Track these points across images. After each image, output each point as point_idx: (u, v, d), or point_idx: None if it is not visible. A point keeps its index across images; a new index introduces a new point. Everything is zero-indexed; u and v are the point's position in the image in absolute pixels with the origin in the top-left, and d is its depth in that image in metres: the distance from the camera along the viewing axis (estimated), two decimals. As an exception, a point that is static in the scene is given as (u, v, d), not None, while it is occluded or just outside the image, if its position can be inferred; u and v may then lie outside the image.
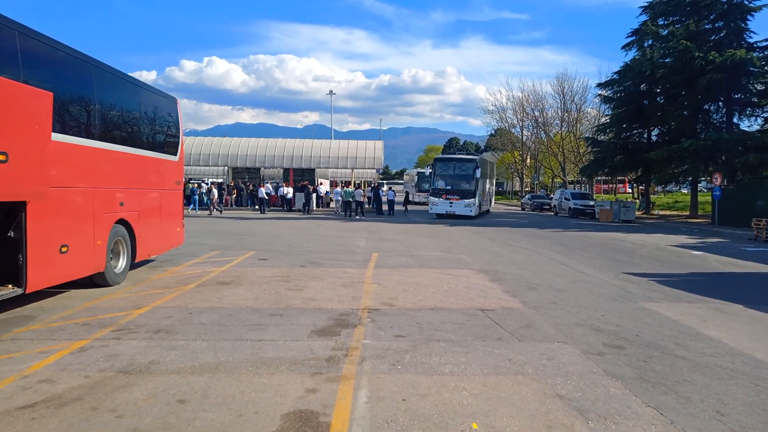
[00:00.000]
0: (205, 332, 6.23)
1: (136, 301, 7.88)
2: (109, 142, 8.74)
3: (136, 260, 9.77)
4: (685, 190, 60.31)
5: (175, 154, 11.54)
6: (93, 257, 8.17)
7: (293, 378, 4.82)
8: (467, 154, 36.49)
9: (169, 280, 9.57)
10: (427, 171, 45.18)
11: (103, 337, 5.96)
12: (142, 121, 10.14)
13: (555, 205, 39.43)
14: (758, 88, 31.38)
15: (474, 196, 29.37)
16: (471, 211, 28.98)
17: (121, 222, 9.12)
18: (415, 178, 51.83)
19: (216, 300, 7.99)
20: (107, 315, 6.98)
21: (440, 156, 36.40)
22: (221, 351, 5.54)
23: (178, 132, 11.85)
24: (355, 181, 49.17)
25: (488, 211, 36.04)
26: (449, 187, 29.84)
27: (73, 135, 7.72)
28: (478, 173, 29.64)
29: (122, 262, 9.24)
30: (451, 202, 29.29)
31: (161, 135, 11.07)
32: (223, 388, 4.55)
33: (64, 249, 7.34)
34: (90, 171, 8.18)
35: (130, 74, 10.10)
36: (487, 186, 35.19)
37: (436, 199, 30.00)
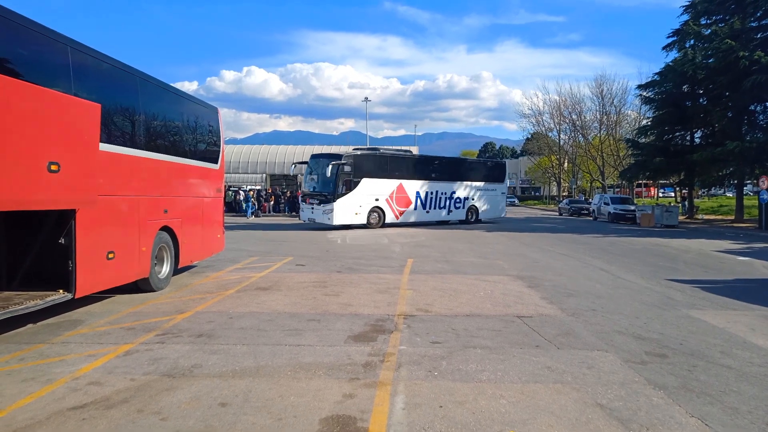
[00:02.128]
0: (245, 337, 6.37)
1: (179, 306, 8.10)
2: (154, 152, 9.02)
3: (179, 266, 10.04)
4: (730, 194, 58.32)
5: (216, 163, 11.83)
6: (138, 263, 8.44)
7: (331, 383, 4.88)
8: (343, 154, 25.23)
9: (211, 286, 9.80)
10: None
11: (147, 341, 6.15)
12: (184, 131, 10.43)
13: (594, 210, 38.69)
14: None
15: (333, 201, 23.50)
16: (329, 219, 23.43)
17: (165, 229, 9.39)
18: None
19: (255, 305, 8.15)
20: (151, 320, 7.20)
21: (313, 153, 29.92)
22: (261, 355, 5.65)
23: (219, 141, 12.14)
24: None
25: (478, 219, 30.26)
26: (310, 190, 25.23)
27: (119, 145, 8.00)
28: (345, 173, 23.76)
29: (166, 268, 9.51)
30: (312, 208, 24.37)
31: (203, 144, 11.36)
32: (263, 392, 4.64)
33: (111, 255, 7.61)
34: (135, 179, 8.46)
35: (172, 85, 10.40)
36: (434, 188, 27.90)
37: (302, 203, 25.81)
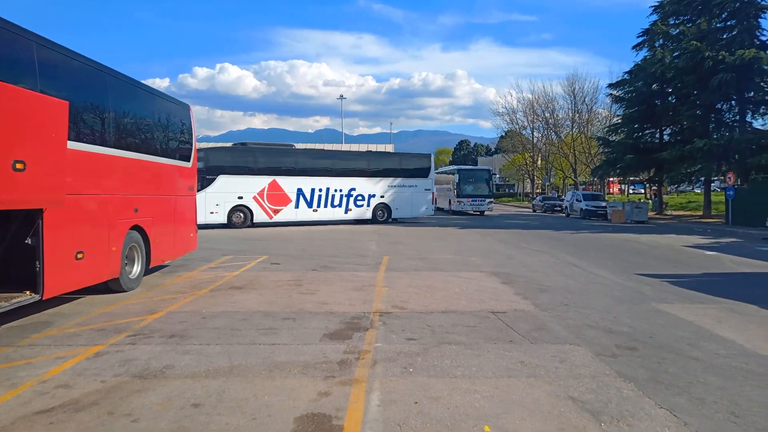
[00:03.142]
0: (219, 336, 6.30)
1: (151, 306, 7.97)
2: (124, 150, 8.86)
3: (151, 266, 9.88)
4: (698, 190, 59.71)
5: (189, 161, 11.67)
6: (108, 263, 8.28)
7: (306, 381, 4.86)
8: None
9: (183, 285, 9.67)
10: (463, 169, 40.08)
11: (118, 343, 6.04)
12: (155, 129, 10.26)
13: (566, 207, 39.24)
14: (771, 86, 31.14)
15: None
16: None
17: (136, 228, 9.23)
18: (456, 178, 37.28)
19: (229, 304, 8.06)
20: (122, 320, 7.07)
21: None
22: (235, 355, 5.60)
23: (191, 138, 11.98)
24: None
25: (392, 219, 28.15)
26: None
27: (88, 143, 7.83)
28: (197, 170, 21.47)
29: (137, 268, 9.35)
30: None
31: (175, 142, 11.19)
32: (237, 392, 4.60)
33: (80, 255, 7.45)
34: (105, 178, 8.29)
35: (143, 82, 10.22)
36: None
37: None
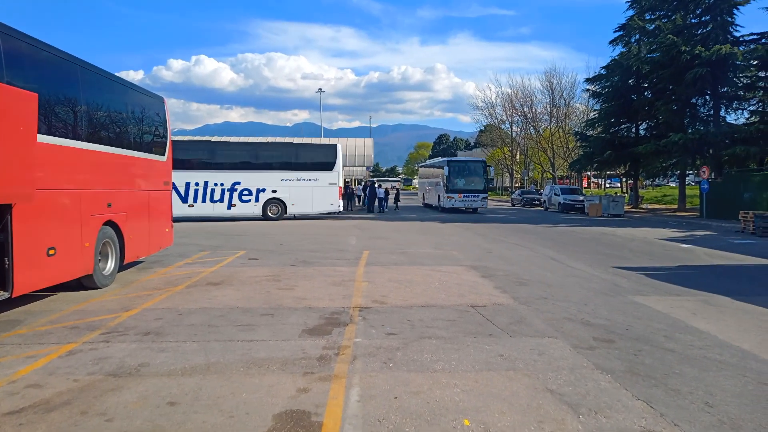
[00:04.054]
0: (195, 333, 6.20)
1: (126, 303, 7.82)
2: (96, 143, 8.66)
3: (125, 262, 9.70)
4: (673, 184, 60.83)
5: (163, 155, 11.47)
6: (81, 259, 8.10)
7: (285, 378, 4.80)
8: None
9: (159, 282, 9.51)
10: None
11: (92, 341, 5.91)
12: (129, 122, 10.06)
13: (545, 201, 39.63)
14: (744, 81, 31.73)
15: None
16: None
17: (109, 223, 9.04)
18: (446, 171, 32.74)
19: (206, 301, 7.95)
20: (96, 318, 6.92)
21: None
22: (212, 352, 5.51)
23: (166, 132, 11.77)
24: (345, 179, 49.11)
25: (288, 215, 25.84)
26: None
27: (59, 136, 7.64)
28: None
29: (111, 264, 9.17)
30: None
31: (149, 135, 10.98)
32: (214, 390, 4.52)
33: (51, 251, 7.27)
34: (77, 172, 8.10)
35: (116, 74, 10.01)
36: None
37: None
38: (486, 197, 33.43)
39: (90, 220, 8.37)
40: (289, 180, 25.43)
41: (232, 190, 24.78)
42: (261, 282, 9.44)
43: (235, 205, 24.86)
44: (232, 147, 28.70)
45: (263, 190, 25.23)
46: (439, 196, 34.50)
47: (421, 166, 47.51)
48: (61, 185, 7.66)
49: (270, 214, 25.36)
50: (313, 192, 25.69)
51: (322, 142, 31.61)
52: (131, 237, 9.71)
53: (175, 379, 4.76)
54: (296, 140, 36.18)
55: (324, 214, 26.68)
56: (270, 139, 34.83)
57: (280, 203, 25.50)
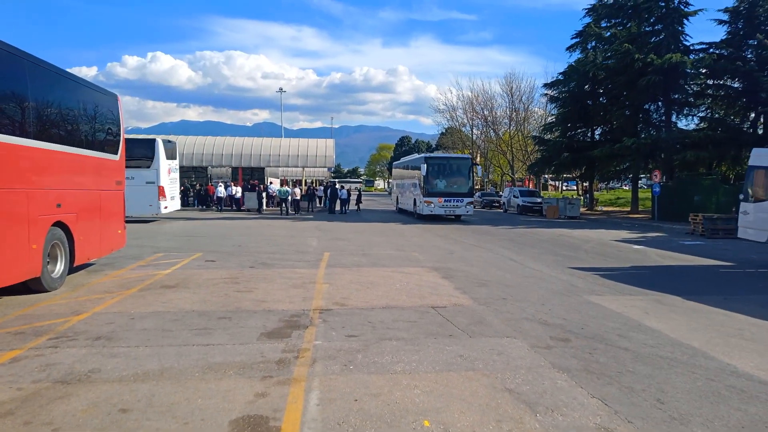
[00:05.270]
0: (149, 338, 6.01)
1: (75, 307, 7.52)
2: (45, 141, 8.31)
3: (75, 264, 9.34)
4: (626, 187, 62.73)
5: (116, 153, 11.12)
6: (28, 262, 7.75)
7: (242, 383, 4.70)
8: None
9: (111, 285, 9.20)
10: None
11: (38, 346, 5.65)
12: (80, 119, 9.69)
13: (504, 203, 40.27)
14: (694, 89, 33.03)
15: None
16: None
17: (59, 224, 8.68)
18: (423, 170, 27.04)
19: (160, 304, 7.72)
20: (44, 322, 6.63)
21: None
22: (166, 357, 5.35)
23: (119, 130, 11.41)
24: (306, 180, 48.77)
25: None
26: None
27: (5, 133, 7.28)
28: None
29: (60, 267, 8.82)
30: None
31: (101, 133, 10.62)
32: (168, 396, 4.39)
33: (-6, 254, 6.92)
34: (24, 171, 7.74)
35: (68, 70, 9.65)
36: None
37: None
38: (471, 202, 27.99)
39: (38, 220, 8.03)
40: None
41: None
42: (218, 284, 9.24)
43: None
44: None
45: None
46: (415, 200, 29.09)
47: (395, 165, 40.47)
48: (7, 184, 7.31)
49: None
50: (131, 192, 23.05)
51: (139, 137, 28.53)
52: (82, 238, 9.37)
53: (127, 386, 4.59)
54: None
55: (141, 216, 23.93)
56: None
57: None
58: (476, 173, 27.06)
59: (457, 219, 27.61)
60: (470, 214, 27.74)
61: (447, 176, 27.47)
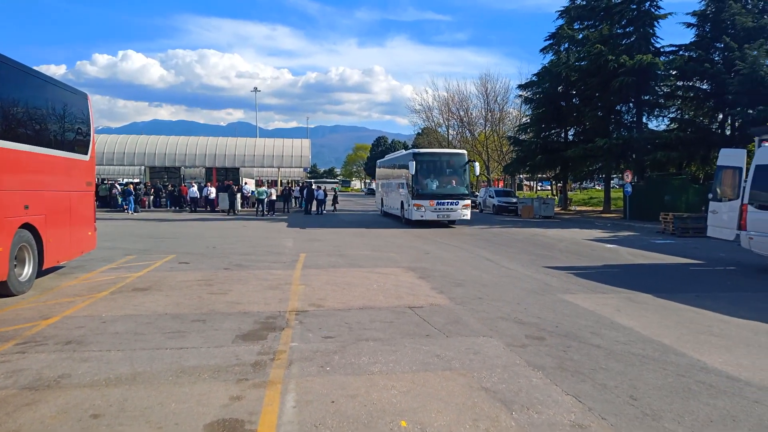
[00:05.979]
0: (121, 342, 5.89)
1: (44, 311, 7.34)
2: (11, 141, 8.09)
3: (44, 267, 9.11)
4: (599, 187, 63.77)
5: (86, 154, 10.88)
6: (-6, 265, 7.53)
7: (217, 386, 4.64)
8: None
9: (81, 288, 9.00)
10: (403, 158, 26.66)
11: (5, 352, 5.50)
12: (49, 119, 9.47)
13: (480, 203, 40.56)
14: (664, 90, 33.73)
15: None
16: None
17: (26, 226, 8.47)
18: (412, 168, 23.26)
19: (132, 307, 7.58)
20: (11, 327, 6.46)
21: None
22: (138, 361, 5.25)
23: (89, 130, 11.17)
24: (281, 180, 48.44)
25: None
26: None
27: (-32, 133, 7.09)
28: None
29: (28, 270, 8.59)
30: None
31: (70, 133, 10.38)
32: (141, 400, 4.31)
33: (-41, 257, 6.72)
34: (-11, 172, 7.54)
35: (35, 68, 9.42)
36: None
37: None
38: (468, 204, 24.02)
39: (5, 223, 7.81)
40: None
41: None
42: (192, 287, 9.12)
43: None
44: None
45: None
46: (402, 203, 25.52)
47: (379, 164, 36.81)
48: (-29, 185, 7.11)
49: None
50: None
51: None
52: (51, 241, 9.14)
53: (98, 391, 4.49)
54: None
55: None
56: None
57: None
58: (474, 171, 24.56)
59: (451, 225, 24.44)
60: (466, 218, 23.90)
61: (439, 175, 24.19)
